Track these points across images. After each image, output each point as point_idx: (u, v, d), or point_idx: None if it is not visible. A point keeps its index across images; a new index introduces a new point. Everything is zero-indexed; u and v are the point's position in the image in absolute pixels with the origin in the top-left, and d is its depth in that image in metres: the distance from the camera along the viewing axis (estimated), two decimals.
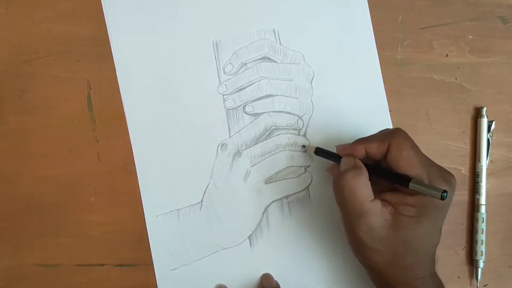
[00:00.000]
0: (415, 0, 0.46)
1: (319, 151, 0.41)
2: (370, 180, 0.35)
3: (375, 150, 0.36)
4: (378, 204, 0.34)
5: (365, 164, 0.36)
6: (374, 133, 0.38)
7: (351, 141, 0.38)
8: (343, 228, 0.37)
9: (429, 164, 0.35)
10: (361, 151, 0.36)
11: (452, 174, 0.36)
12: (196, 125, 0.42)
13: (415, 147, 0.35)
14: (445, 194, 0.32)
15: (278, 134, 0.43)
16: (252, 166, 0.42)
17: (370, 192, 0.35)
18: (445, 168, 0.36)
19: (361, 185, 0.34)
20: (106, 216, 0.41)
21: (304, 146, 0.43)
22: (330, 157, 0.40)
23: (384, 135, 0.36)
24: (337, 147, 0.39)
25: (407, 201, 0.34)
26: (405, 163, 0.34)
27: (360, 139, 0.37)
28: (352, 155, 0.37)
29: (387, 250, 0.34)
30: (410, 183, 0.33)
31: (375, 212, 0.34)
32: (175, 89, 0.42)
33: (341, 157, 0.38)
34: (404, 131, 0.36)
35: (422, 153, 0.36)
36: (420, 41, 0.46)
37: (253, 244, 0.42)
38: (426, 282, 0.35)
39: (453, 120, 0.46)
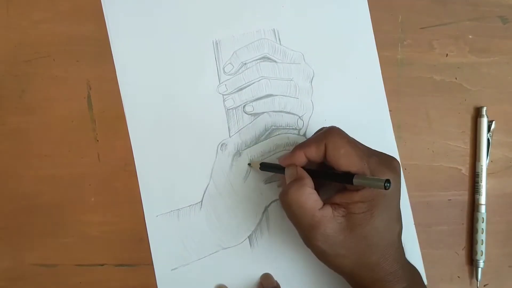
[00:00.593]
0: (415, 0, 0.46)
1: (264, 166, 0.40)
2: (317, 185, 0.35)
3: (314, 153, 0.35)
4: (328, 210, 0.34)
5: (308, 170, 0.36)
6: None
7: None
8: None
9: (369, 154, 0.35)
10: (301, 157, 0.36)
11: (394, 159, 0.36)
12: (196, 125, 0.42)
13: (351, 142, 0.35)
14: (388, 184, 0.31)
15: (278, 134, 0.43)
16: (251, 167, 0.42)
17: (318, 200, 0.34)
18: (386, 154, 0.36)
19: (306, 197, 0.34)
20: (106, 216, 0.41)
21: (249, 164, 0.42)
22: (276, 170, 0.39)
23: (319, 137, 0.36)
24: (279, 158, 0.38)
25: (355, 199, 0.34)
26: (344, 160, 0.34)
27: (298, 145, 0.37)
28: (294, 165, 0.36)
29: (349, 252, 0.34)
30: (353, 179, 0.33)
31: (327, 220, 0.34)
32: (175, 89, 0.42)
33: (282, 168, 0.38)
34: (337, 128, 0.36)
35: (360, 145, 0.35)
36: (420, 41, 0.46)
37: (253, 244, 0.42)
38: (398, 276, 0.35)
39: (453, 120, 0.46)
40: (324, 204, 0.35)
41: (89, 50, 0.41)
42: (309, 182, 0.35)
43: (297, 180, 0.35)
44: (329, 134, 0.35)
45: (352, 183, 0.33)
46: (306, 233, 0.35)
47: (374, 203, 0.34)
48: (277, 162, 0.39)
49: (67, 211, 0.41)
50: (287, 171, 0.37)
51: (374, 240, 0.34)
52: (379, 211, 0.34)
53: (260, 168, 0.40)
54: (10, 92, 0.40)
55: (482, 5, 0.46)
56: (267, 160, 0.42)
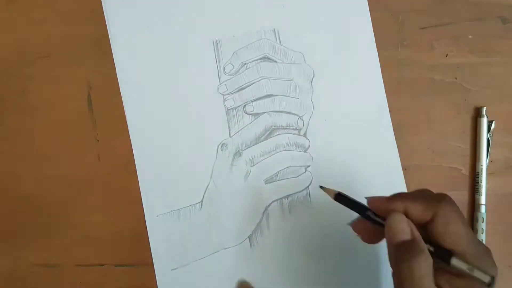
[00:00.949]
0: (415, 0, 0.46)
1: (343, 199, 0.33)
2: None
3: (418, 214, 0.30)
4: None
5: None
6: (407, 192, 0.33)
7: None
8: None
9: (478, 241, 0.30)
10: (399, 209, 0.30)
11: (490, 251, 0.31)
12: (196, 125, 0.42)
13: (464, 220, 0.30)
14: (493, 281, 0.28)
15: (278, 134, 0.43)
16: (252, 166, 0.42)
17: (432, 276, 0.28)
18: (487, 247, 0.31)
19: (428, 272, 0.28)
20: (106, 216, 0.41)
21: (321, 187, 0.34)
22: (353, 207, 0.32)
23: (430, 200, 0.30)
24: (369, 200, 0.32)
25: (457, 285, 0.30)
26: (452, 238, 0.29)
27: (398, 194, 0.31)
28: (403, 215, 0.30)
29: None
30: (453, 260, 0.29)
31: None
32: (175, 89, 0.42)
33: (366, 209, 0.32)
34: (452, 201, 0.31)
35: (470, 228, 0.31)
36: (420, 41, 0.46)
37: (253, 244, 0.42)
38: None
39: (453, 120, 0.46)
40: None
41: (89, 50, 0.41)
42: (428, 252, 0.29)
43: (416, 245, 0.29)
44: (444, 202, 0.30)
45: (449, 263, 0.29)
46: None
47: None
48: (276, 178, 0.37)
49: (67, 211, 0.41)
50: (394, 222, 0.30)
51: None
52: None
53: (334, 198, 0.33)
54: (10, 92, 0.40)
55: (482, 5, 0.46)
56: (267, 160, 0.42)
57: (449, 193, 0.45)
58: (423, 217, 0.30)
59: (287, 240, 0.43)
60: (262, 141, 0.42)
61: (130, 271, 0.41)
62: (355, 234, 0.33)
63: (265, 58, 0.43)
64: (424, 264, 0.28)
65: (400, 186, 0.45)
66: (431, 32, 0.46)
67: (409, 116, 0.45)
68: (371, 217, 0.31)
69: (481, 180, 0.45)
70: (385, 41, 0.45)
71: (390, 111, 0.45)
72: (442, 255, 0.29)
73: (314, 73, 0.44)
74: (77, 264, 0.41)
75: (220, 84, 0.42)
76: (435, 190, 0.45)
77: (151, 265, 0.41)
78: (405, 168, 0.45)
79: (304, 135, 0.43)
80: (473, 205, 0.46)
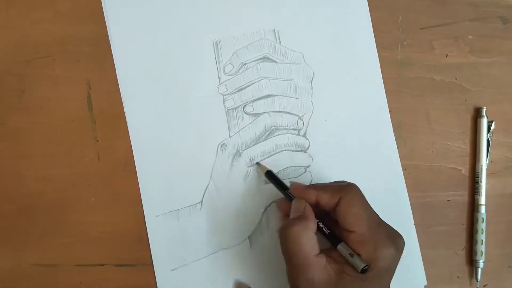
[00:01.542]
0: (415, 0, 0.46)
1: (270, 176, 0.40)
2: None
3: (326, 201, 0.35)
4: (322, 259, 0.34)
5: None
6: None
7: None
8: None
9: (378, 224, 0.35)
10: (312, 197, 0.36)
11: (400, 236, 0.36)
12: (196, 125, 0.42)
13: (365, 205, 0.35)
14: (366, 268, 0.32)
15: (278, 134, 0.43)
16: (251, 166, 0.42)
17: (316, 246, 0.34)
18: (394, 229, 0.36)
19: (306, 239, 0.34)
20: (106, 216, 0.41)
21: (257, 163, 0.42)
22: (278, 186, 0.40)
23: (337, 188, 0.36)
24: (292, 184, 0.38)
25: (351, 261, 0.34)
26: (352, 220, 0.34)
27: (314, 185, 0.37)
28: (304, 200, 0.36)
29: None
30: (338, 246, 0.34)
31: (318, 267, 0.33)
32: (175, 89, 0.42)
33: (286, 188, 0.39)
34: (357, 187, 0.36)
35: (374, 213, 0.35)
36: (420, 41, 0.46)
37: (253, 244, 0.42)
38: None
39: (453, 120, 0.46)
40: (320, 252, 0.34)
41: (89, 50, 0.41)
42: (313, 225, 0.35)
43: (303, 219, 0.35)
44: (347, 189, 0.35)
45: (335, 247, 0.34)
46: (293, 272, 0.34)
47: (368, 274, 0.33)
48: (282, 175, 0.39)
49: (67, 211, 0.41)
50: (295, 203, 0.37)
51: None
52: (370, 282, 0.33)
53: (265, 174, 0.41)
54: (10, 92, 0.40)
55: (482, 5, 0.46)
56: (267, 160, 0.42)
57: (449, 194, 0.46)
58: (330, 203, 0.35)
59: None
60: (262, 141, 0.42)
61: (130, 271, 0.41)
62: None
63: (265, 58, 0.43)
64: (302, 232, 0.34)
65: (400, 186, 0.45)
66: (431, 32, 0.46)
67: (409, 116, 0.45)
68: (289, 196, 0.38)
69: (481, 181, 0.46)
70: (385, 41, 0.45)
71: (390, 111, 0.45)
72: (332, 239, 0.35)
73: (314, 73, 0.44)
74: (77, 264, 0.41)
75: (220, 84, 0.42)
76: (435, 190, 0.45)
77: (151, 265, 0.41)
78: (405, 168, 0.45)
79: (304, 135, 0.43)
80: (473, 205, 0.46)
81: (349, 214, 0.34)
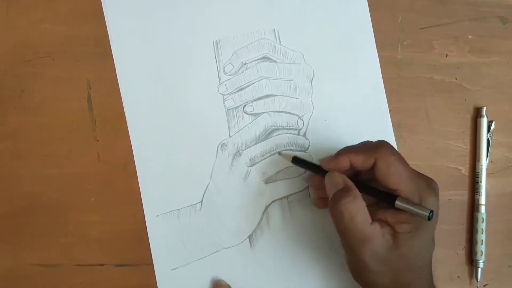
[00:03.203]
0: (415, 0, 0.46)
1: (298, 161, 0.40)
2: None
3: (361, 163, 0.35)
4: (377, 226, 0.34)
5: (353, 181, 0.35)
6: (361, 141, 0.37)
7: (348, 143, 0.37)
8: (344, 252, 0.36)
9: (417, 176, 0.35)
10: (345, 162, 0.36)
11: (434, 181, 0.36)
12: (196, 125, 0.42)
13: (402, 161, 0.35)
14: (432, 214, 0.32)
15: (278, 134, 0.43)
16: (252, 166, 0.42)
17: (368, 215, 0.34)
18: (429, 177, 0.36)
19: (359, 210, 0.33)
20: (106, 216, 0.41)
21: (279, 153, 0.42)
22: (310, 168, 0.39)
23: (370, 148, 0.35)
24: (321, 160, 0.38)
25: (401, 219, 0.34)
26: (394, 178, 0.34)
27: (344, 149, 0.37)
28: (338, 172, 0.36)
29: (389, 270, 0.34)
30: (396, 202, 0.33)
31: (377, 236, 0.33)
32: (175, 89, 0.42)
33: (319, 167, 0.38)
34: (389, 144, 0.35)
35: (409, 166, 0.35)
36: (420, 41, 0.46)
37: (253, 244, 0.42)
38: None
39: (453, 120, 0.46)
40: (372, 220, 0.34)
41: (89, 50, 0.41)
42: (359, 194, 0.34)
43: (347, 190, 0.34)
44: (382, 148, 0.35)
45: (393, 205, 0.33)
46: (353, 246, 0.34)
47: (417, 225, 0.33)
48: (276, 178, 0.39)
49: (67, 211, 0.41)
50: (330, 178, 0.36)
51: (412, 260, 0.34)
52: (420, 233, 0.34)
53: (292, 161, 0.41)
54: (10, 92, 0.40)
55: (482, 5, 0.46)
56: (267, 160, 0.42)
57: (449, 193, 0.46)
58: (366, 164, 0.35)
59: (287, 240, 0.43)
60: (262, 141, 0.42)
61: (130, 271, 0.41)
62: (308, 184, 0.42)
63: (265, 58, 0.43)
64: (352, 204, 0.33)
65: None
66: (431, 32, 0.46)
67: (409, 116, 0.45)
68: (321, 172, 0.38)
69: (481, 180, 0.46)
70: (385, 41, 0.45)
71: (390, 111, 0.45)
72: (387, 199, 0.34)
73: (314, 73, 0.44)
74: (77, 264, 0.41)
75: (220, 84, 0.42)
76: None
77: (151, 265, 0.41)
78: None
79: (304, 135, 0.43)
80: (473, 205, 0.46)
81: (390, 173, 0.34)
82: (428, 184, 0.35)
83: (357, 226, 0.33)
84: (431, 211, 0.32)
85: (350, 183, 0.35)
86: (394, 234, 0.34)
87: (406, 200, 0.33)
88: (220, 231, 0.42)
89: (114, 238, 0.41)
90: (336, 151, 0.37)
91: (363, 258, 0.34)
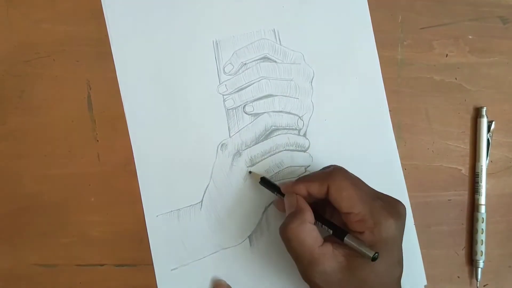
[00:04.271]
0: (415, 0, 0.46)
1: (264, 182, 0.40)
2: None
3: (316, 191, 0.35)
4: (328, 248, 0.34)
5: (314, 209, 0.36)
6: (319, 172, 0.38)
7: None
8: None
9: (373, 198, 0.35)
10: (302, 190, 0.36)
11: (399, 202, 0.36)
12: (196, 125, 0.42)
13: (355, 184, 0.35)
14: (377, 255, 0.32)
15: (278, 134, 0.43)
16: (251, 166, 0.42)
17: (318, 237, 0.34)
18: (392, 197, 0.36)
19: (306, 234, 0.34)
20: (106, 216, 0.41)
21: (250, 172, 0.42)
22: (274, 190, 0.40)
23: (323, 176, 0.36)
24: (280, 185, 0.39)
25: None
26: (346, 203, 0.34)
27: (300, 178, 0.37)
28: (294, 194, 0.36)
29: None
30: (345, 239, 0.34)
31: (326, 257, 0.34)
32: (175, 89, 0.42)
33: (278, 189, 0.39)
34: (342, 170, 0.36)
35: (365, 188, 0.36)
36: (420, 41, 0.46)
37: (253, 244, 0.42)
38: None
39: (453, 120, 0.46)
40: (324, 241, 0.34)
41: (89, 50, 0.41)
42: (309, 216, 0.35)
43: (297, 213, 0.35)
44: (333, 174, 0.35)
45: (343, 241, 0.34)
46: (304, 269, 0.34)
47: (376, 248, 0.33)
48: (276, 178, 0.40)
49: (67, 211, 0.41)
50: (287, 199, 0.37)
51: (373, 284, 0.34)
52: (380, 256, 0.33)
53: (259, 182, 0.41)
54: (10, 92, 0.40)
55: (482, 5, 0.46)
56: (267, 160, 0.42)
57: (449, 193, 0.46)
58: (321, 191, 0.35)
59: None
60: (262, 141, 0.42)
61: (130, 271, 0.41)
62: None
63: (265, 58, 0.43)
64: (300, 228, 0.34)
65: (400, 186, 0.45)
66: (431, 32, 0.46)
67: (409, 116, 0.45)
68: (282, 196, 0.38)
69: (481, 180, 0.45)
70: (385, 41, 0.45)
71: (390, 111, 0.45)
72: (338, 234, 0.35)
73: (314, 73, 0.44)
74: (77, 264, 0.41)
75: (220, 84, 0.42)
76: (435, 190, 0.45)
77: (151, 265, 0.41)
78: (405, 168, 0.45)
79: (304, 135, 0.43)
80: (473, 205, 0.46)
81: (341, 198, 0.34)
82: (387, 206, 0.35)
83: (305, 248, 0.34)
84: (376, 253, 0.32)
85: (303, 205, 0.36)
86: (349, 256, 0.34)
87: (355, 238, 0.34)
88: (220, 231, 0.42)
89: (114, 238, 0.41)
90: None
91: (313, 279, 0.34)
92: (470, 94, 0.46)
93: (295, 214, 0.35)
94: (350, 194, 0.34)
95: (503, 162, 0.47)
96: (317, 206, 0.37)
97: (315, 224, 0.35)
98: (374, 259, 0.33)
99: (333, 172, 0.36)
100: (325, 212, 0.38)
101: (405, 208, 0.36)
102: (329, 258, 0.34)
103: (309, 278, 0.34)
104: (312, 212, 0.35)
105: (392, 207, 0.35)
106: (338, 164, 0.38)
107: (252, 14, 0.43)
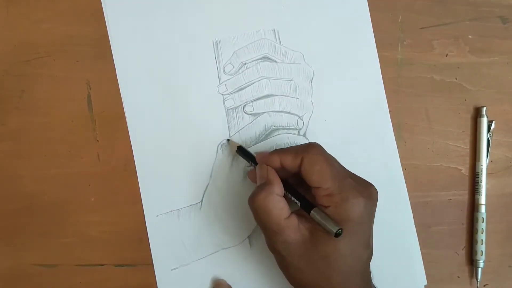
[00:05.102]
0: (415, 0, 0.46)
1: (241, 151, 0.40)
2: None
3: (289, 162, 0.35)
4: (294, 220, 0.34)
5: (283, 181, 0.36)
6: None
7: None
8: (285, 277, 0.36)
9: (344, 176, 0.35)
10: (276, 161, 0.36)
11: (371, 185, 0.36)
12: (196, 125, 0.42)
13: (328, 160, 0.35)
14: (340, 232, 0.32)
15: (278, 134, 0.43)
16: (250, 167, 0.42)
17: (284, 209, 0.34)
18: (365, 180, 0.36)
19: (273, 204, 0.34)
20: (106, 216, 0.41)
21: (228, 140, 0.42)
22: (248, 159, 0.40)
23: (299, 148, 0.36)
24: (256, 154, 0.39)
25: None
26: (317, 177, 0.34)
27: (277, 149, 0.38)
28: (266, 165, 0.36)
29: (308, 267, 0.34)
30: (311, 212, 0.34)
31: (290, 229, 0.34)
32: (175, 89, 0.42)
33: (254, 159, 0.39)
34: (318, 145, 0.36)
35: (338, 166, 0.36)
36: (420, 41, 0.46)
37: (253, 244, 0.42)
38: None
39: (453, 120, 0.46)
40: (291, 213, 0.35)
41: (89, 50, 0.41)
42: (277, 188, 0.35)
43: (266, 185, 0.35)
44: (308, 148, 0.35)
45: (309, 213, 0.34)
46: (269, 237, 0.35)
47: (341, 225, 0.33)
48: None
49: (67, 211, 0.41)
50: (259, 170, 0.37)
51: (337, 263, 0.34)
52: (346, 235, 0.33)
53: (236, 151, 0.41)
54: (10, 92, 0.40)
55: (482, 5, 0.46)
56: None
57: (449, 193, 0.46)
58: (294, 164, 0.35)
59: None
60: (262, 141, 0.42)
61: (130, 271, 0.41)
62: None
63: (265, 58, 0.43)
64: (267, 199, 0.34)
65: (400, 186, 0.45)
66: (431, 32, 0.46)
67: (409, 116, 0.45)
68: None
69: (481, 180, 0.45)
70: (385, 41, 0.45)
71: (390, 111, 0.45)
72: (305, 207, 0.35)
73: (314, 73, 0.44)
74: (77, 264, 0.41)
75: (220, 84, 0.42)
76: (435, 190, 0.45)
77: (151, 265, 0.41)
78: (405, 168, 0.45)
79: (304, 135, 0.43)
80: (473, 205, 0.46)
81: (313, 171, 0.34)
82: (358, 186, 0.35)
83: (271, 219, 0.34)
84: (340, 229, 0.32)
85: (273, 176, 0.36)
86: (314, 230, 0.34)
87: (321, 213, 0.34)
88: (220, 231, 0.42)
89: (114, 238, 0.41)
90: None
91: (277, 248, 0.34)
92: (470, 94, 0.46)
93: (264, 185, 0.35)
94: (323, 168, 0.34)
95: (503, 162, 0.47)
96: (290, 180, 0.37)
97: (284, 196, 0.35)
98: (337, 235, 0.32)
99: (309, 146, 0.36)
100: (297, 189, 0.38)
101: (377, 193, 0.35)
102: (293, 230, 0.34)
103: (273, 246, 0.35)
104: (281, 185, 0.35)
105: (364, 188, 0.35)
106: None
107: (252, 14, 0.43)
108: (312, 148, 0.35)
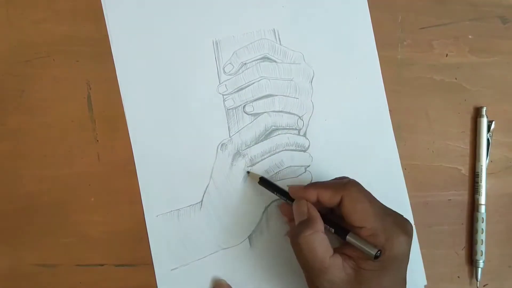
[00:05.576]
0: (415, 0, 0.46)
1: (264, 182, 0.40)
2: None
3: (327, 199, 0.35)
4: (338, 259, 0.34)
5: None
6: (328, 181, 0.38)
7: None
8: (306, 284, 0.36)
9: (385, 214, 0.35)
10: (313, 196, 0.36)
11: (408, 221, 0.36)
12: (196, 125, 0.42)
13: (369, 198, 0.35)
14: (379, 254, 0.33)
15: (278, 134, 0.43)
16: (252, 166, 0.42)
17: (329, 247, 0.34)
18: (401, 215, 0.36)
19: (319, 242, 0.34)
20: (106, 216, 0.41)
21: (248, 172, 0.42)
22: (273, 191, 0.39)
23: (338, 186, 0.36)
24: (289, 187, 0.38)
25: (365, 255, 0.34)
26: (359, 216, 0.34)
27: (313, 183, 0.37)
28: (304, 201, 0.36)
29: None
30: (347, 237, 0.34)
31: (336, 268, 0.34)
32: (175, 89, 0.42)
33: (284, 192, 0.38)
34: (357, 183, 0.36)
35: (378, 203, 0.36)
36: (420, 41, 0.46)
37: (253, 244, 0.42)
38: None
39: (453, 120, 0.46)
40: (334, 252, 0.34)
41: (89, 50, 0.41)
42: (321, 226, 0.35)
43: (309, 222, 0.35)
44: (349, 186, 0.35)
45: (344, 239, 0.34)
46: (313, 277, 0.34)
47: (384, 265, 0.33)
48: (276, 178, 0.39)
49: (67, 211, 0.41)
50: (297, 205, 0.37)
51: None
52: (388, 272, 0.34)
53: (258, 182, 0.41)
54: (10, 92, 0.40)
55: (482, 5, 0.46)
56: (267, 160, 0.42)
57: (449, 193, 0.46)
58: (332, 200, 0.35)
59: (286, 241, 0.43)
60: (262, 141, 0.42)
61: (130, 271, 0.41)
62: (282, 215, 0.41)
63: (265, 58, 0.43)
64: (312, 237, 0.34)
65: (400, 186, 0.45)
66: (431, 32, 0.46)
67: (409, 116, 0.45)
68: (289, 199, 0.38)
69: (481, 180, 0.46)
70: (385, 41, 0.45)
71: (390, 111, 0.45)
72: (339, 233, 0.35)
73: (314, 73, 0.44)
74: (77, 264, 0.41)
75: (220, 84, 0.42)
76: (435, 190, 0.45)
77: (151, 265, 0.41)
78: (405, 168, 0.45)
79: (304, 135, 0.43)
80: (473, 205, 0.46)
81: (355, 211, 0.34)
82: (398, 223, 0.35)
83: (316, 258, 0.34)
84: (379, 250, 0.33)
85: (315, 213, 0.35)
86: (357, 269, 0.34)
87: (357, 236, 0.34)
88: (219, 231, 0.42)
89: (114, 238, 0.41)
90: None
91: None
92: (470, 94, 0.46)
93: (307, 222, 0.35)
94: (365, 208, 0.34)
95: (503, 162, 0.47)
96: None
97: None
98: (377, 257, 0.33)
99: (349, 184, 0.35)
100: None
101: (412, 228, 0.36)
102: (338, 269, 0.34)
103: (317, 286, 0.34)
104: (322, 221, 0.35)
105: (403, 224, 0.35)
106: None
107: (252, 14, 0.43)
108: (353, 186, 0.35)
